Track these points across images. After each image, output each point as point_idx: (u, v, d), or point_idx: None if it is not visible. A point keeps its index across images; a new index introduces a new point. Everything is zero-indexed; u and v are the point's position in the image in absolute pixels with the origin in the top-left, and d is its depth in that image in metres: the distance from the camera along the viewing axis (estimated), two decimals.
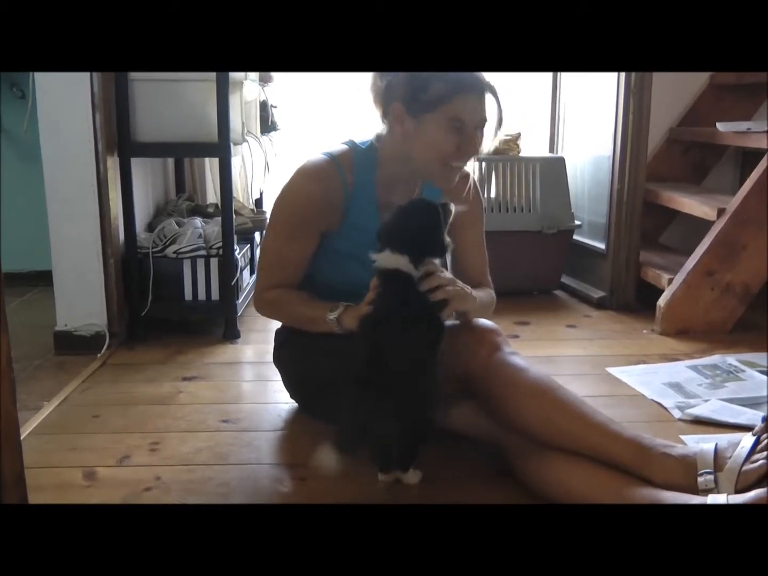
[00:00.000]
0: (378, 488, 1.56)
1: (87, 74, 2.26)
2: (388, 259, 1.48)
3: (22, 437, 1.73)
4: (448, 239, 1.54)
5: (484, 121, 1.64)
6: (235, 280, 2.52)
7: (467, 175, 1.87)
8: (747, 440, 1.38)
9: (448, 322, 1.57)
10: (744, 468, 1.33)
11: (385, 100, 1.66)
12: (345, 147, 1.77)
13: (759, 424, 1.40)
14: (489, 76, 1.63)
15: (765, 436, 1.37)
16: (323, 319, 1.63)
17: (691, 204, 2.77)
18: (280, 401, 2.00)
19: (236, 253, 2.57)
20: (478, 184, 1.93)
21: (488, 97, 1.63)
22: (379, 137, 1.73)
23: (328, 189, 1.71)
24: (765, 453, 1.33)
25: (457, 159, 1.67)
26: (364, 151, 1.75)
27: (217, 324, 2.62)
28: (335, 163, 1.72)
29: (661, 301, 2.66)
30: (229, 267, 2.51)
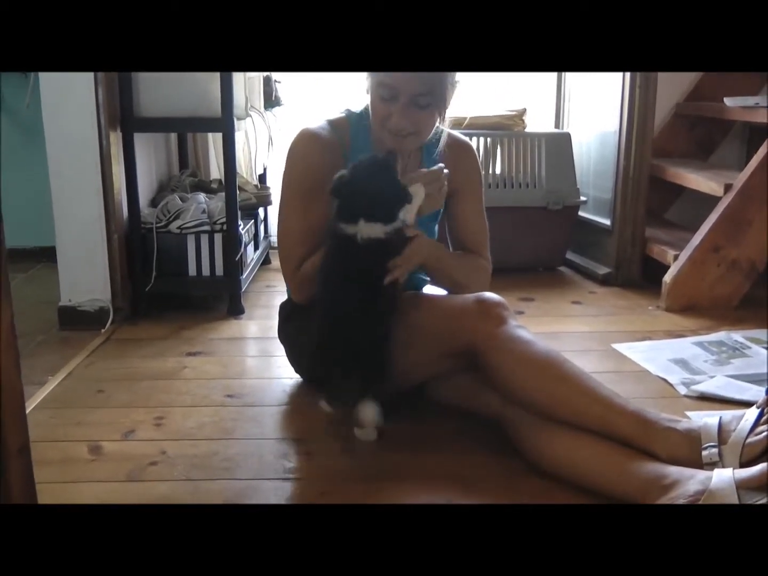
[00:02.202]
0: (378, 463, 1.57)
1: None
2: (370, 229, 1.52)
3: (27, 411, 1.75)
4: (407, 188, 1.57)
5: (419, 94, 1.60)
6: (239, 255, 2.51)
7: (467, 144, 1.87)
8: (751, 413, 1.38)
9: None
10: (748, 440, 1.33)
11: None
12: (341, 114, 1.80)
13: (763, 397, 1.40)
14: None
15: None
16: None
17: (698, 180, 2.76)
18: (285, 376, 2.00)
19: (240, 228, 2.56)
20: (478, 155, 1.92)
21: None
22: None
23: (327, 149, 1.72)
24: None
25: (391, 128, 1.64)
26: (358, 117, 1.77)
27: (221, 299, 2.62)
28: (331, 127, 1.75)
29: (667, 278, 2.65)
30: (233, 242, 2.50)
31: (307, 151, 1.73)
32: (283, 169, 1.77)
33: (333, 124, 1.76)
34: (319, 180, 1.65)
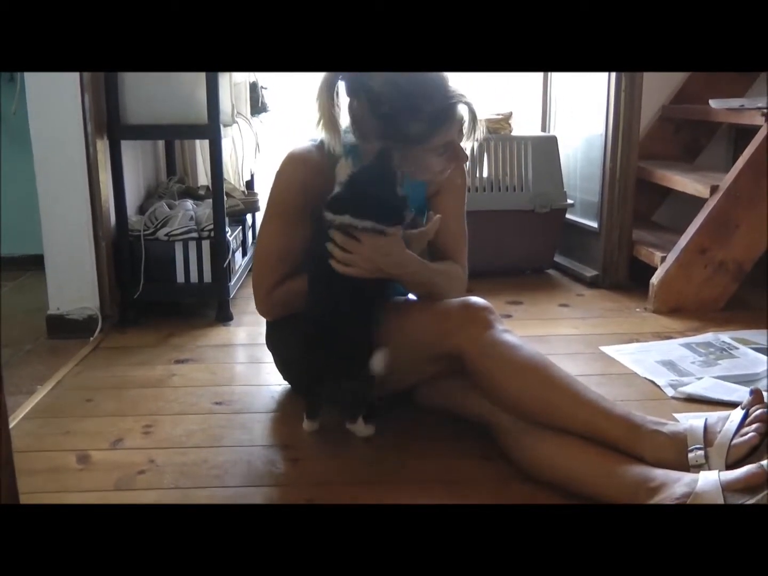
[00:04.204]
0: (366, 468, 1.57)
1: None
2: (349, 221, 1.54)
3: (15, 422, 1.75)
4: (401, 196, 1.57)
5: (461, 123, 1.64)
6: (227, 262, 2.51)
7: None
8: (736, 414, 1.39)
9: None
10: (734, 442, 1.34)
11: (359, 126, 1.65)
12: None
13: (747, 398, 1.41)
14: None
15: (754, 409, 1.37)
16: None
17: (684, 182, 2.77)
18: (273, 383, 2.00)
19: (228, 235, 2.56)
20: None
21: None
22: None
23: (317, 172, 1.69)
24: (754, 426, 1.34)
25: (447, 170, 1.69)
26: (347, 138, 1.73)
27: (210, 306, 2.62)
28: (320, 148, 1.69)
29: (654, 279, 2.66)
30: (221, 249, 2.50)
31: (293, 176, 1.70)
32: (270, 190, 1.75)
33: (323, 144, 1.69)
34: (303, 205, 1.67)
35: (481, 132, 1.67)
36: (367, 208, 1.53)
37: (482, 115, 1.67)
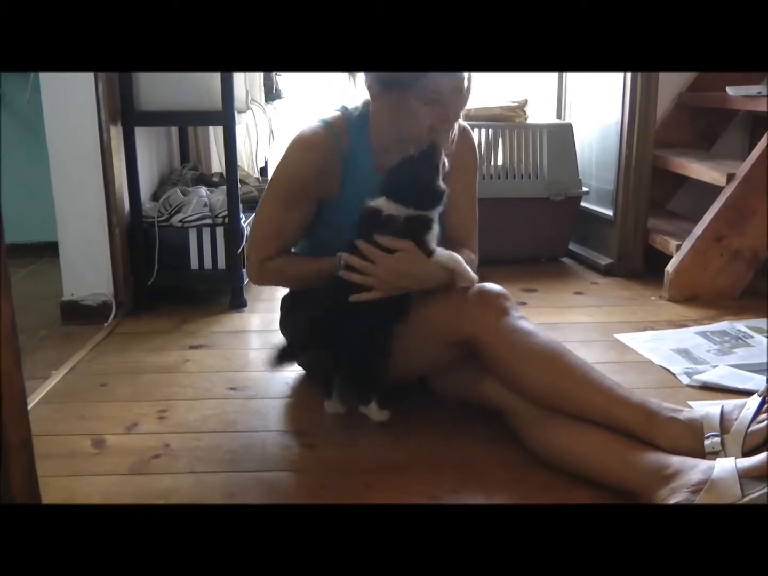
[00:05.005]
0: (380, 455, 1.57)
1: None
2: (384, 205, 1.57)
3: (30, 406, 1.76)
4: (442, 185, 1.60)
5: (461, 83, 1.62)
6: (241, 248, 2.51)
7: (463, 126, 1.84)
8: (752, 402, 1.38)
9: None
10: (750, 429, 1.33)
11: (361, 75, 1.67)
12: (338, 113, 1.76)
13: (764, 385, 1.40)
14: None
15: None
16: (329, 270, 1.62)
17: (700, 170, 2.75)
18: (287, 369, 1.99)
19: (242, 221, 2.56)
20: (480, 146, 1.90)
21: None
22: (368, 103, 1.73)
23: (325, 156, 1.70)
24: None
25: (439, 126, 1.66)
26: (356, 117, 1.75)
27: (224, 293, 2.62)
28: (330, 129, 1.71)
29: (670, 268, 2.64)
30: (235, 236, 2.50)
31: (300, 158, 1.71)
32: (275, 167, 1.77)
33: (330, 125, 1.72)
34: (307, 185, 1.70)
35: (471, 94, 1.66)
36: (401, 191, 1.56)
37: (475, 79, 1.67)
